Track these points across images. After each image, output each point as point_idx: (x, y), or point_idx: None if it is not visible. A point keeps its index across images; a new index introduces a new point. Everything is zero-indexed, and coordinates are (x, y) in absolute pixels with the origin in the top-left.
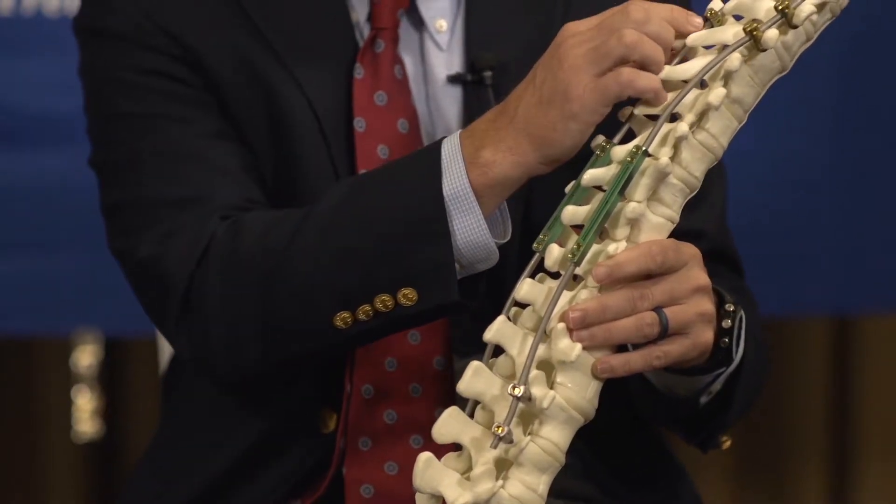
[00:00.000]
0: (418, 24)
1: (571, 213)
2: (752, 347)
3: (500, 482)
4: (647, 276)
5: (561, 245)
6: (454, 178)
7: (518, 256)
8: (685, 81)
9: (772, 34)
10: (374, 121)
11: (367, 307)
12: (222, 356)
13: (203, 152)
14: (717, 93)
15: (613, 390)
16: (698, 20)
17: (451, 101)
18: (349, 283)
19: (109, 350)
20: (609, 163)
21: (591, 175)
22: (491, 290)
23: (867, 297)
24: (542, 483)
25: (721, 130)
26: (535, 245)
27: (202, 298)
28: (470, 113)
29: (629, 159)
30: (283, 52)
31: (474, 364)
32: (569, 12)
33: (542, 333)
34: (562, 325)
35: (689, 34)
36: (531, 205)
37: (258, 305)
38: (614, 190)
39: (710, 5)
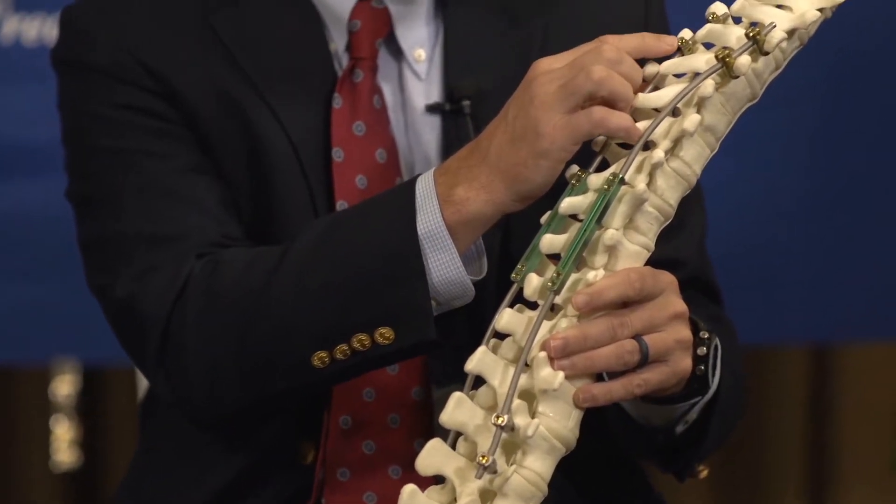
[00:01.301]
0: (397, 53)
1: (549, 242)
2: (729, 376)
3: None
4: (625, 304)
5: (539, 274)
6: (428, 217)
7: (496, 287)
8: (658, 109)
9: (744, 61)
10: (353, 151)
11: (345, 346)
12: (201, 395)
13: (180, 189)
14: (692, 119)
15: (591, 421)
16: (671, 40)
17: (429, 131)
18: (326, 323)
19: (88, 379)
20: (585, 191)
21: (568, 203)
22: (470, 321)
23: (845, 325)
24: None
25: (695, 158)
26: (513, 275)
27: (180, 338)
28: (448, 142)
29: (606, 187)
30: (260, 83)
31: (456, 395)
32: (546, 42)
33: (524, 363)
34: (543, 355)
35: (664, 55)
36: (509, 235)
37: (236, 345)
38: (592, 218)
39: (681, 33)
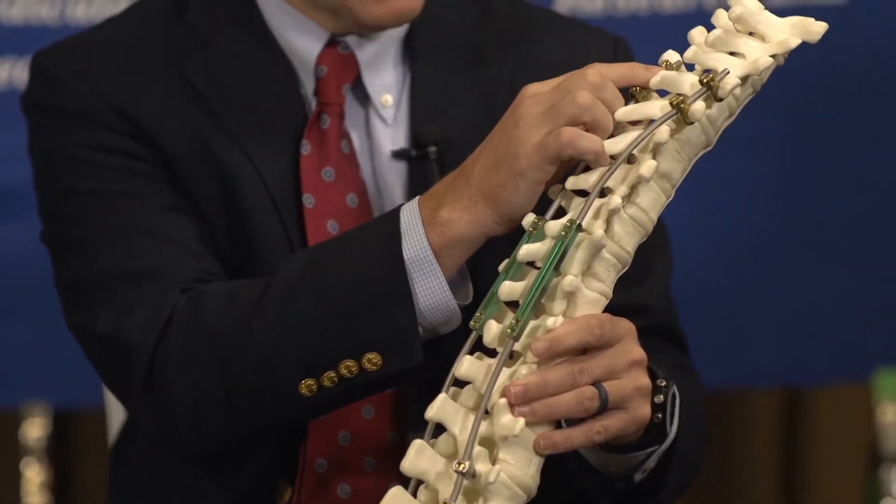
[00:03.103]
0: (364, 98)
1: (508, 289)
2: (688, 424)
3: None
4: (584, 351)
5: (498, 321)
6: (414, 241)
7: (463, 321)
8: (613, 157)
9: (698, 107)
10: (323, 197)
11: (332, 374)
12: (187, 428)
13: (158, 227)
14: (648, 165)
15: (551, 467)
16: (658, 70)
17: (396, 176)
18: (313, 351)
19: (58, 422)
20: (543, 238)
21: (525, 250)
22: (432, 359)
23: (816, 368)
24: None
25: (651, 205)
26: (472, 323)
27: (165, 372)
28: (414, 188)
29: (563, 233)
30: (234, 127)
31: (417, 443)
32: (515, 85)
33: (484, 410)
34: (503, 401)
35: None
36: (474, 282)
37: (222, 377)
38: (550, 264)
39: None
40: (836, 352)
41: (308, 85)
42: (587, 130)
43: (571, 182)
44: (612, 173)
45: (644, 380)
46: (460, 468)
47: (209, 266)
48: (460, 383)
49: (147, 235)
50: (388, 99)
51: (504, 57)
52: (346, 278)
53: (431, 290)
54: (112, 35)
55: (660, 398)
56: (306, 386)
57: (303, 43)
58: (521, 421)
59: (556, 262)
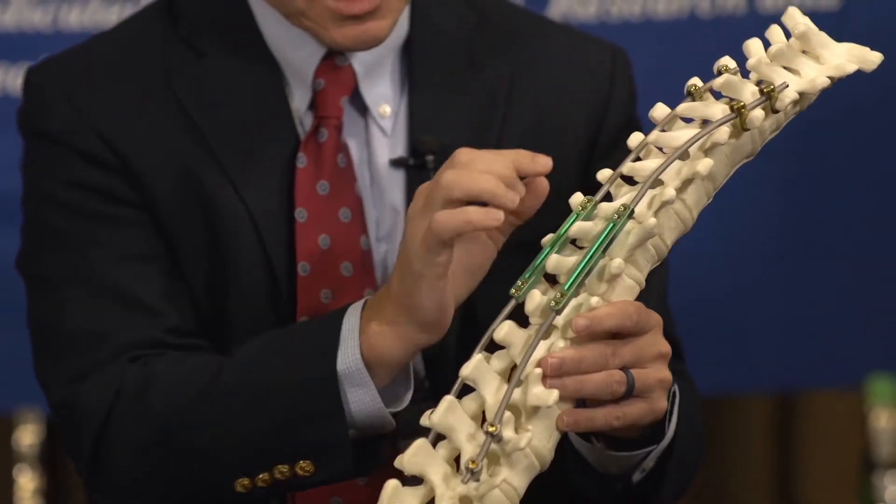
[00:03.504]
0: (362, 109)
1: (555, 262)
2: (686, 426)
3: None
4: (615, 336)
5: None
6: (348, 353)
7: (457, 339)
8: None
9: (757, 114)
10: (316, 211)
11: (266, 475)
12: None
13: (120, 281)
14: (704, 163)
15: (550, 469)
16: (545, 160)
17: (394, 186)
18: (248, 454)
19: (51, 429)
20: (593, 218)
21: (577, 228)
22: (432, 372)
23: (810, 373)
24: None
25: (695, 203)
26: (513, 291)
27: (110, 454)
28: (412, 197)
29: (616, 217)
30: (220, 150)
31: (448, 398)
32: (512, 96)
33: (519, 377)
34: (538, 371)
35: (538, 174)
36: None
37: (163, 465)
38: (600, 244)
39: (692, 80)
40: (830, 357)
41: (301, 99)
42: (484, 204)
43: (627, 168)
44: (668, 165)
45: (667, 373)
46: (492, 430)
47: (173, 322)
48: (490, 349)
49: (108, 292)
50: (387, 109)
51: (502, 65)
52: (283, 385)
53: (363, 402)
54: (104, 52)
55: None
56: (241, 485)
57: (300, 56)
58: (556, 393)
59: (607, 244)
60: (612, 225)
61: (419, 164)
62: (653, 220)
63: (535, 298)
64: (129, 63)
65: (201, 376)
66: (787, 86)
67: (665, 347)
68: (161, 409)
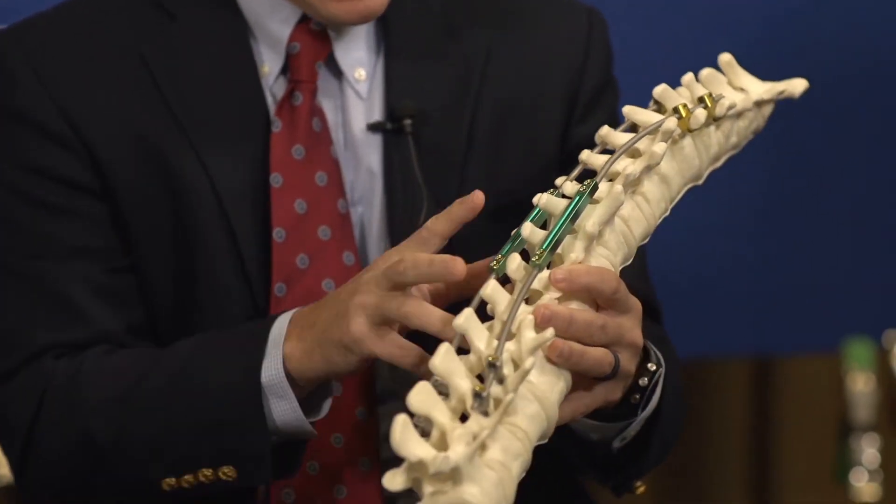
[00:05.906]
0: (337, 73)
1: (529, 230)
2: (671, 396)
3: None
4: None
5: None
6: (272, 364)
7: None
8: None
9: (698, 114)
10: (291, 175)
11: (190, 477)
12: (57, 501)
13: (62, 280)
14: (659, 145)
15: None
16: (460, 267)
17: (371, 150)
18: (173, 456)
19: None
20: (561, 196)
21: (547, 201)
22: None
23: (787, 337)
24: (515, 467)
25: (656, 200)
26: (492, 264)
27: (38, 454)
28: (390, 161)
29: (581, 189)
30: (186, 121)
31: (445, 345)
32: (489, 60)
33: (510, 323)
34: (531, 318)
35: (453, 279)
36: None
37: (90, 463)
38: (573, 209)
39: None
40: (807, 320)
41: (273, 63)
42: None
43: (585, 156)
44: (620, 155)
45: (631, 367)
46: (492, 359)
47: (107, 324)
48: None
49: (48, 290)
50: (362, 73)
51: (479, 31)
52: (208, 392)
53: (285, 412)
54: (74, 17)
55: (643, 381)
56: (167, 483)
57: (274, 20)
58: (551, 329)
59: (573, 215)
60: (579, 196)
61: (397, 129)
62: (619, 188)
63: (516, 260)
64: (99, 27)
65: (128, 375)
66: (723, 96)
67: (639, 339)
68: (87, 408)
